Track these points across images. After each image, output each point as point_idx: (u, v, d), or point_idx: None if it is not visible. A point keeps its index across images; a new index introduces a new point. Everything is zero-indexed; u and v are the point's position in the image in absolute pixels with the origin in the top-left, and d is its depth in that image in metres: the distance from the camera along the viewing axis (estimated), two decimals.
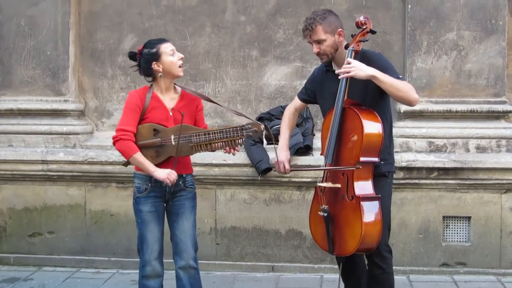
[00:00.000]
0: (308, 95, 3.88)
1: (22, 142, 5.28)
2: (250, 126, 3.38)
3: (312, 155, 4.96)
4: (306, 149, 4.96)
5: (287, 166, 3.81)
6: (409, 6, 4.94)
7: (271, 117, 5.10)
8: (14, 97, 5.34)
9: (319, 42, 3.52)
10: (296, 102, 3.97)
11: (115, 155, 5.08)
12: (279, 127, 4.96)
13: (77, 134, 5.26)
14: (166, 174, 3.46)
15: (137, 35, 5.35)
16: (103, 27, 5.41)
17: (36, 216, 5.29)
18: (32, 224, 5.30)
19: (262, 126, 3.39)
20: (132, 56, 3.65)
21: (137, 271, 5.09)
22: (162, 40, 3.62)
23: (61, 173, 5.20)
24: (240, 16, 5.28)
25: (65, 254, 5.28)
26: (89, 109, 5.48)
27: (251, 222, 5.09)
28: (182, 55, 3.61)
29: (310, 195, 4.94)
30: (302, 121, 5.08)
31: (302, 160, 4.87)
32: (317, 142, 4.99)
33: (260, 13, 5.25)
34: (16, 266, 5.27)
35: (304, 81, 4.18)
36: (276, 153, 3.78)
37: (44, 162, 5.16)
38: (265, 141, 3.33)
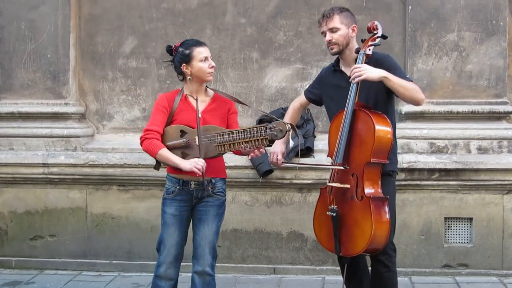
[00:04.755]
0: (315, 94, 3.91)
1: (23, 146, 5.28)
2: (275, 125, 3.26)
3: (313, 156, 4.95)
4: (307, 151, 4.95)
5: (280, 157, 3.77)
6: (410, 7, 4.94)
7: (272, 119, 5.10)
8: (15, 100, 5.34)
9: (333, 30, 3.58)
10: (302, 99, 4.00)
11: (116, 158, 5.09)
12: None
13: (78, 137, 5.26)
14: (193, 163, 3.37)
15: (138, 38, 5.35)
16: (104, 30, 5.41)
17: (38, 219, 5.29)
18: (34, 228, 5.30)
19: (288, 126, 3.26)
20: (169, 50, 3.62)
21: (139, 274, 5.15)
22: (199, 43, 3.57)
23: (62, 176, 5.20)
24: (240, 18, 5.27)
25: (66, 257, 5.28)
26: (90, 112, 5.48)
27: (252, 224, 5.09)
28: (213, 64, 3.57)
29: (311, 197, 4.94)
30: (303, 122, 5.07)
31: (303, 161, 4.86)
32: (318, 144, 4.99)
33: (260, 15, 5.25)
34: (18, 270, 5.27)
35: (305, 83, 4.20)
36: (267, 156, 3.77)
37: (45, 165, 5.16)
38: (291, 142, 3.21)
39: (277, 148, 3.81)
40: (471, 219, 4.90)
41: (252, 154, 3.42)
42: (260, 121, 5.13)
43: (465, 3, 4.86)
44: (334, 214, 3.49)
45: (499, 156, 4.82)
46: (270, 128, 3.25)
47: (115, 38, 5.40)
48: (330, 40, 3.60)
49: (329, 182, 3.57)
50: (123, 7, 5.37)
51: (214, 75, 5.24)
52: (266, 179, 4.92)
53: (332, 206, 3.51)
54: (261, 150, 3.39)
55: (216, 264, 5.01)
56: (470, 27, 4.87)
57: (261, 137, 3.28)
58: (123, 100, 5.42)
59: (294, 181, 4.93)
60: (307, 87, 4.03)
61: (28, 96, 5.32)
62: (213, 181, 3.57)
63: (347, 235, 3.47)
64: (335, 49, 3.62)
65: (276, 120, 3.36)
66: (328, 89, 3.76)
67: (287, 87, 5.26)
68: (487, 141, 4.86)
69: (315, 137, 5.09)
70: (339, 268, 3.83)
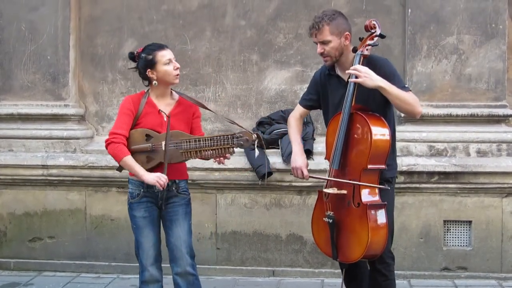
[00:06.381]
0: (313, 100, 3.80)
1: (23, 147, 5.28)
2: (241, 134, 3.32)
3: (313, 159, 4.95)
4: (306, 154, 4.94)
5: (306, 172, 3.65)
6: (409, 10, 4.94)
7: (272, 121, 5.10)
8: (15, 101, 5.33)
9: (324, 43, 3.46)
10: (301, 110, 3.87)
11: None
12: (280, 131, 5.00)
13: (78, 138, 5.26)
14: (156, 178, 3.40)
15: (137, 39, 5.35)
16: (103, 31, 5.41)
17: (37, 221, 5.28)
18: (32, 229, 5.29)
19: (254, 136, 3.33)
20: (132, 57, 3.63)
21: (137, 276, 5.11)
22: (161, 47, 3.56)
23: (61, 178, 5.19)
24: (240, 21, 5.28)
25: (65, 259, 5.28)
26: (90, 113, 5.48)
27: (251, 226, 5.09)
28: (178, 65, 3.56)
29: (310, 199, 4.94)
30: (303, 125, 5.06)
31: None
32: (317, 147, 4.98)
33: (260, 18, 5.25)
34: (17, 271, 5.26)
35: (305, 85, 4.17)
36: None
37: (44, 167, 5.16)
38: (256, 151, 3.21)
39: (300, 162, 3.67)
40: (470, 222, 4.90)
41: (214, 161, 3.49)
42: (260, 123, 5.13)
43: (464, 6, 4.87)
44: (331, 221, 3.42)
45: (498, 159, 4.83)
46: (237, 137, 3.32)
47: (115, 39, 5.40)
48: (321, 52, 3.49)
49: (325, 188, 3.49)
50: (123, 9, 5.37)
51: (214, 77, 5.31)
52: (265, 181, 4.91)
53: (329, 213, 3.45)
54: (227, 156, 3.43)
55: (215, 267, 5.06)
56: (470, 30, 4.87)
57: (227, 146, 3.35)
58: None
59: (294, 184, 4.93)
60: (301, 96, 3.93)
61: (28, 98, 5.32)
62: (177, 181, 3.59)
63: (344, 241, 3.41)
64: (329, 61, 3.52)
65: (244, 129, 3.41)
66: (325, 93, 3.68)
67: (287, 89, 5.26)
68: (486, 144, 4.87)
69: (314, 139, 5.09)
70: (338, 271, 3.82)
